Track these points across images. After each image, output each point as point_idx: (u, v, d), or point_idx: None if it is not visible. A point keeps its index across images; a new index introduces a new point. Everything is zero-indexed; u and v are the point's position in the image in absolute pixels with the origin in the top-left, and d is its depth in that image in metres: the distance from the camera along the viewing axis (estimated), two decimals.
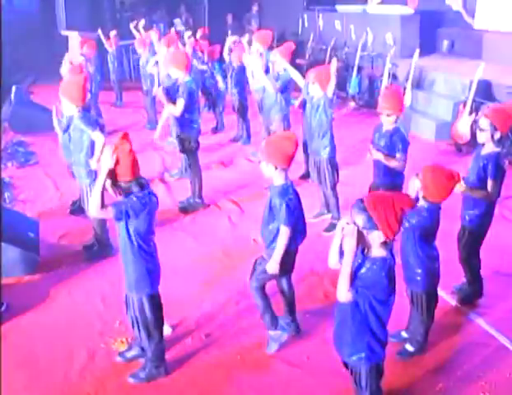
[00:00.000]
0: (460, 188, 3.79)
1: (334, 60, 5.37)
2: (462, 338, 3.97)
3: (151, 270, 3.41)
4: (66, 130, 5.44)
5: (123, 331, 3.99)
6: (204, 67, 8.54)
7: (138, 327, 3.47)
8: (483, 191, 3.96)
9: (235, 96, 8.44)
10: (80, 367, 3.70)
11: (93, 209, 3.24)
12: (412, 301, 3.69)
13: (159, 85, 8.22)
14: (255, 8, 14.91)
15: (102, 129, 4.95)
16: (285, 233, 3.54)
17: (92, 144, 4.90)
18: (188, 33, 9.96)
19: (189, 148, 6.07)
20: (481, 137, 4.01)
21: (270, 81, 6.57)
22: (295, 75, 6.12)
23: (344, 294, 2.65)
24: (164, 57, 7.72)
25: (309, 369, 3.66)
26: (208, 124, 9.11)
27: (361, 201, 2.61)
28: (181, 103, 5.78)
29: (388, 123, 4.55)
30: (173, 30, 10.02)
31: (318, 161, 5.47)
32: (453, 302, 4.32)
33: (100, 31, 10.94)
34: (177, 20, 14.20)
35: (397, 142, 4.50)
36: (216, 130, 9.19)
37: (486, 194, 3.96)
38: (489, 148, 3.98)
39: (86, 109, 5.10)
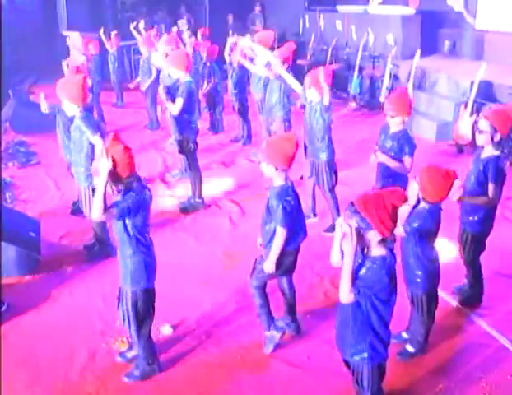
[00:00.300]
0: (455, 197, 3.73)
1: (321, 70, 5.29)
2: (462, 339, 3.97)
3: (148, 263, 3.43)
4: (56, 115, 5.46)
5: (124, 330, 3.98)
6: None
7: (129, 321, 3.46)
8: (484, 197, 3.93)
9: (236, 97, 8.44)
10: (81, 366, 3.71)
11: (96, 214, 3.27)
12: (413, 302, 3.69)
13: (157, 81, 8.25)
14: (258, 8, 14.89)
15: (103, 135, 4.91)
16: (281, 234, 3.55)
17: (92, 145, 4.90)
18: (189, 33, 9.96)
19: (188, 149, 6.07)
20: (481, 140, 3.97)
21: (269, 72, 6.69)
22: (291, 81, 6.12)
23: (346, 295, 2.66)
24: (162, 55, 7.72)
25: (310, 369, 3.66)
26: (207, 124, 9.12)
27: (352, 204, 2.63)
28: (179, 102, 5.79)
29: (394, 124, 4.49)
30: (174, 29, 10.00)
31: (317, 164, 5.47)
32: (454, 303, 4.32)
33: (101, 32, 10.95)
34: (181, 21, 14.18)
35: (404, 145, 4.42)
36: (213, 130, 9.17)
37: (488, 200, 3.93)
38: (488, 151, 3.94)
39: (88, 110, 5.08)
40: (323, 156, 5.40)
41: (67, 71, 6.64)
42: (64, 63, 7.01)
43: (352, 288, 2.64)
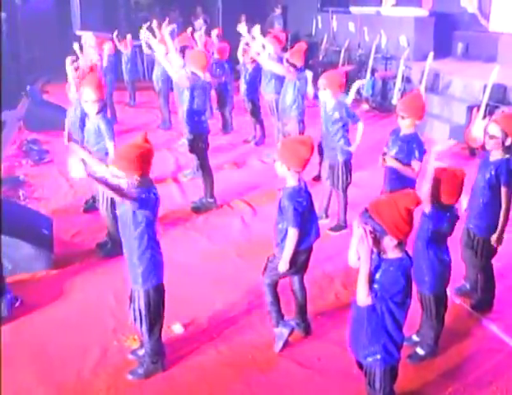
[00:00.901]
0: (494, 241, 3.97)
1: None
2: (473, 343, 3.95)
3: (157, 260, 3.48)
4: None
5: (136, 328, 4.02)
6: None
7: (141, 321, 3.48)
8: (503, 213, 3.90)
9: (248, 97, 8.44)
10: (92, 364, 3.74)
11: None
12: (422, 304, 3.68)
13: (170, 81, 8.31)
14: (278, 10, 14.86)
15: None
16: (292, 235, 3.58)
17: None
18: (200, 33, 9.99)
19: (199, 148, 6.10)
20: (490, 144, 3.92)
21: (282, 68, 6.79)
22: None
23: (364, 298, 2.67)
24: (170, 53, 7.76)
25: (320, 370, 3.67)
26: (220, 125, 9.14)
27: (366, 210, 2.64)
28: (186, 92, 5.87)
29: (404, 126, 4.46)
30: (189, 30, 10.05)
31: (334, 164, 5.47)
32: (457, 300, 4.31)
33: (115, 34, 11.00)
34: (198, 22, 14.23)
35: (414, 149, 4.39)
36: (225, 130, 9.19)
37: (505, 208, 3.89)
38: (497, 154, 3.91)
39: (103, 109, 5.10)
40: (340, 156, 5.41)
41: (77, 71, 6.66)
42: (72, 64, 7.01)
43: (370, 292, 2.64)
